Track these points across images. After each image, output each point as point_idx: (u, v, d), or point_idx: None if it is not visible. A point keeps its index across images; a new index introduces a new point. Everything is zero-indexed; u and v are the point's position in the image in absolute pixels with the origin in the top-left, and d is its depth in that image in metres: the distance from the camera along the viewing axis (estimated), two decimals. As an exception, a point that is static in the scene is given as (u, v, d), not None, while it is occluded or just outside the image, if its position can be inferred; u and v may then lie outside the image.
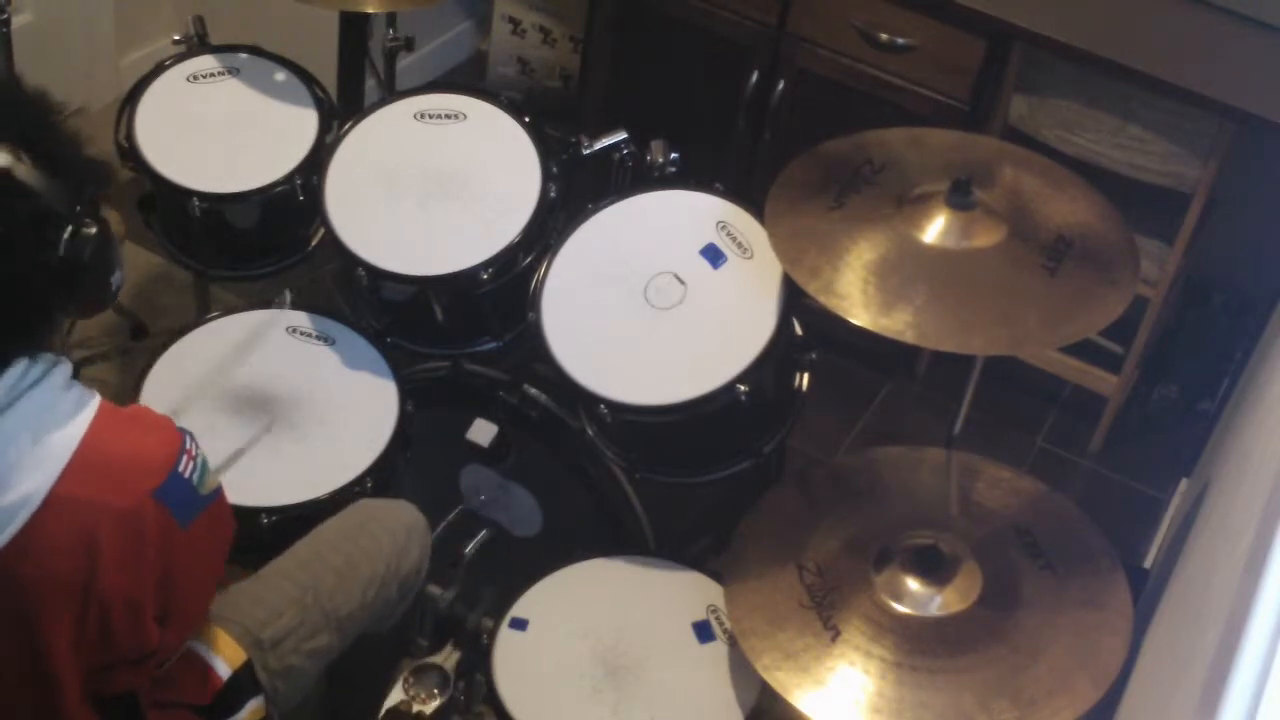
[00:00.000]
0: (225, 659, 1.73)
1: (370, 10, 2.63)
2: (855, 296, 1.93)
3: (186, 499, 1.54)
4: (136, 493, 1.49)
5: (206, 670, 1.72)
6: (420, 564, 2.03)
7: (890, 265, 1.97)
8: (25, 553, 1.46)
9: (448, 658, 2.04)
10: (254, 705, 1.76)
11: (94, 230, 1.52)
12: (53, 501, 1.45)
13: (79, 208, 1.53)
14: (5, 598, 1.49)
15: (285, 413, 2.18)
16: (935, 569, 1.92)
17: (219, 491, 1.63)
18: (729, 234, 2.19)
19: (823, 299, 1.94)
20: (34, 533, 1.45)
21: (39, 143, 1.51)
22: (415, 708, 1.97)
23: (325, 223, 2.26)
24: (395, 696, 1.99)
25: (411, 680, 2.01)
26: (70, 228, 1.50)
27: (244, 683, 1.75)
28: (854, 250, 1.99)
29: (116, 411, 1.53)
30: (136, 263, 3.08)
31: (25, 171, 1.48)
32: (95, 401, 1.51)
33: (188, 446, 1.55)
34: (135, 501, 1.49)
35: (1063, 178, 2.13)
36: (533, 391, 2.36)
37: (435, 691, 1.99)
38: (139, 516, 1.49)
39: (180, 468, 1.52)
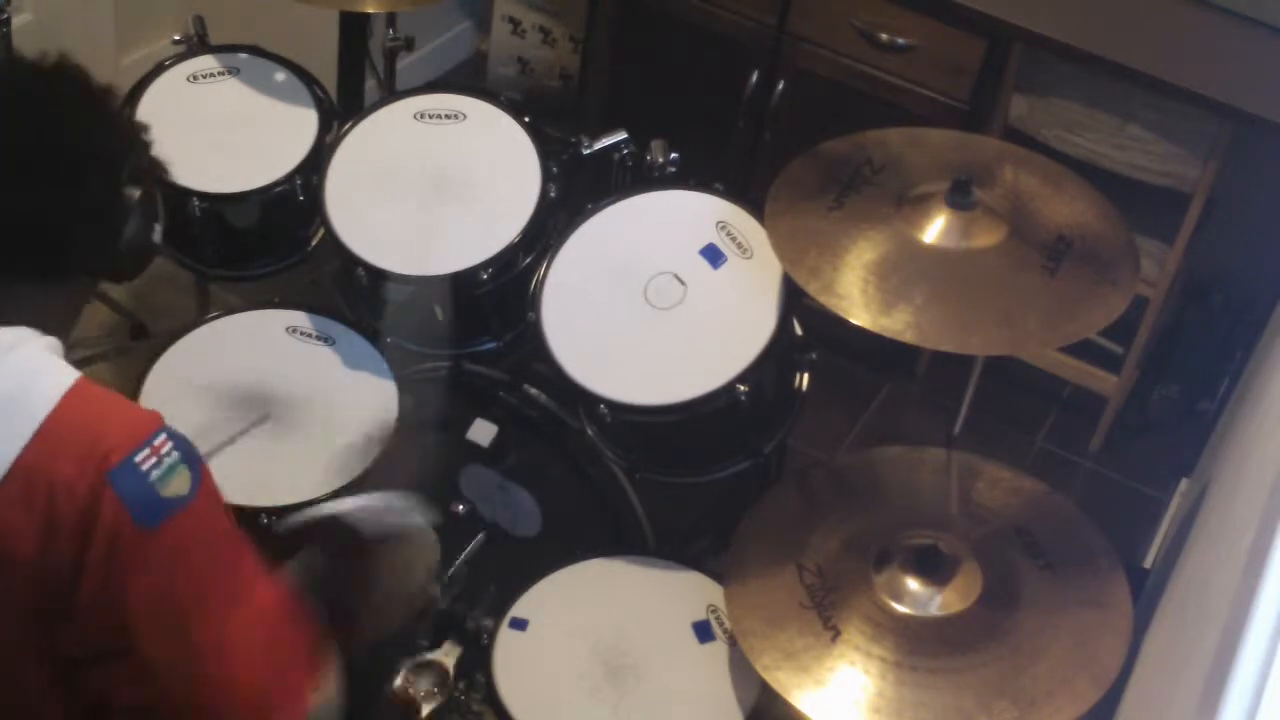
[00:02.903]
0: None
1: (370, 10, 2.63)
2: (855, 296, 1.93)
3: (143, 496, 1.43)
4: (90, 469, 1.42)
5: None
6: (427, 579, 1.97)
7: (890, 265, 1.97)
8: None
9: (448, 654, 2.04)
10: None
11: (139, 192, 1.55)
12: (16, 471, 1.40)
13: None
14: None
15: (285, 413, 2.18)
16: (935, 569, 1.92)
17: (185, 502, 1.46)
18: (729, 234, 2.19)
19: (823, 299, 1.93)
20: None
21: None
22: (410, 692, 1.97)
23: (325, 223, 2.26)
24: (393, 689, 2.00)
25: (411, 676, 2.01)
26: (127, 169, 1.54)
27: None
28: (854, 250, 1.99)
29: (94, 389, 1.47)
30: (136, 263, 3.08)
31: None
32: (74, 376, 1.46)
33: (155, 441, 1.45)
34: (88, 479, 1.41)
35: (1063, 178, 2.13)
36: (533, 391, 2.36)
37: (434, 690, 2.00)
38: (93, 499, 1.41)
39: (138, 458, 1.43)
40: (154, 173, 1.60)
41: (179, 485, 1.46)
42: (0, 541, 1.41)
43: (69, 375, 1.47)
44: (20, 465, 1.41)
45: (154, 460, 1.44)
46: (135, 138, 1.59)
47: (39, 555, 1.42)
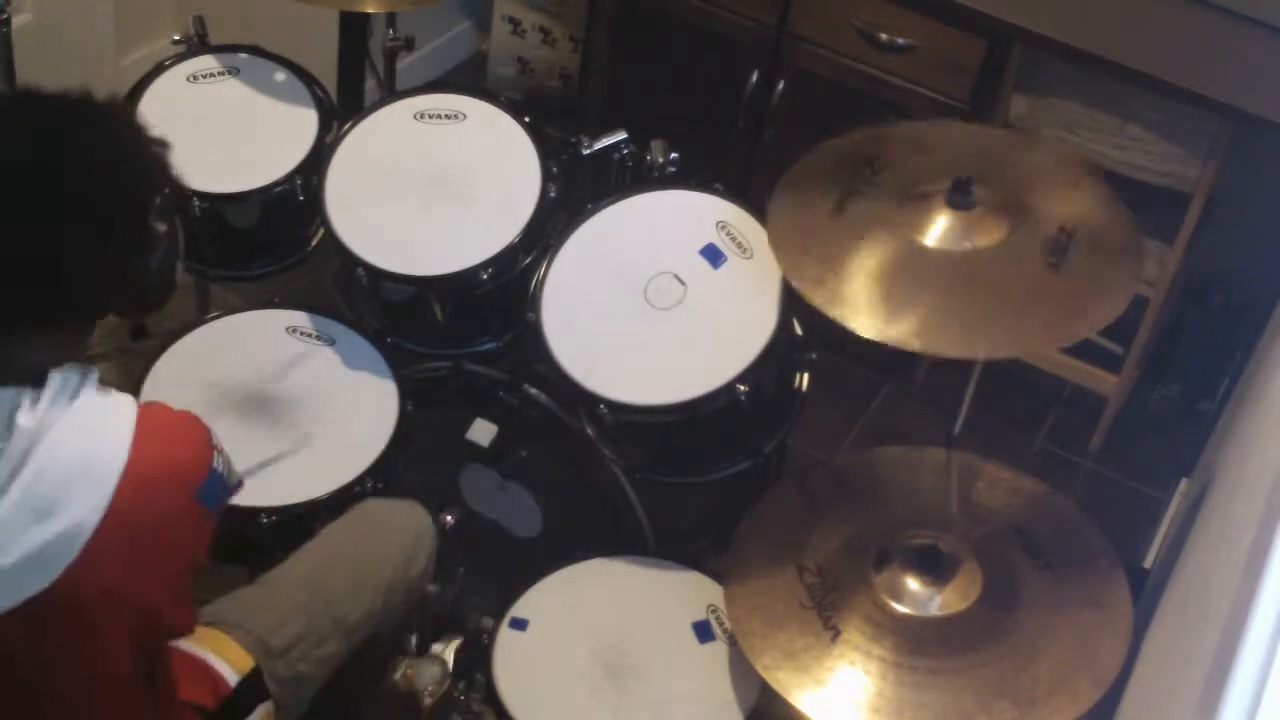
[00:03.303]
0: (232, 666, 1.72)
1: (370, 10, 2.63)
2: (860, 305, 1.91)
3: (219, 492, 1.56)
4: (178, 500, 1.50)
5: (214, 677, 1.71)
6: (426, 568, 2.01)
7: (893, 271, 1.95)
8: (84, 575, 1.44)
9: (447, 647, 2.04)
10: (262, 711, 1.75)
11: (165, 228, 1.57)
12: (106, 524, 1.44)
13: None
14: (66, 623, 1.47)
15: (285, 413, 2.17)
16: (935, 569, 1.92)
17: (240, 479, 1.64)
18: (729, 234, 2.19)
19: (827, 309, 1.91)
20: (90, 556, 1.43)
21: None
22: (413, 686, 1.98)
23: (325, 223, 2.26)
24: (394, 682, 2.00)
25: (411, 671, 2.01)
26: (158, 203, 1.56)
27: (252, 689, 1.74)
28: (857, 258, 1.97)
29: (149, 418, 1.51)
30: (136, 263, 3.07)
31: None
32: (132, 411, 1.50)
33: (214, 442, 1.55)
34: (179, 507, 1.51)
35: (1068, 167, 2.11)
36: (533, 391, 2.36)
37: (435, 683, 2.00)
38: (182, 520, 1.51)
39: (215, 464, 1.54)
40: (179, 204, 1.63)
41: (235, 467, 1.61)
42: (96, 587, 1.46)
43: (128, 410, 1.50)
44: (113, 511, 1.45)
45: (221, 459, 1.56)
46: (165, 172, 1.59)
47: (128, 587, 1.50)
